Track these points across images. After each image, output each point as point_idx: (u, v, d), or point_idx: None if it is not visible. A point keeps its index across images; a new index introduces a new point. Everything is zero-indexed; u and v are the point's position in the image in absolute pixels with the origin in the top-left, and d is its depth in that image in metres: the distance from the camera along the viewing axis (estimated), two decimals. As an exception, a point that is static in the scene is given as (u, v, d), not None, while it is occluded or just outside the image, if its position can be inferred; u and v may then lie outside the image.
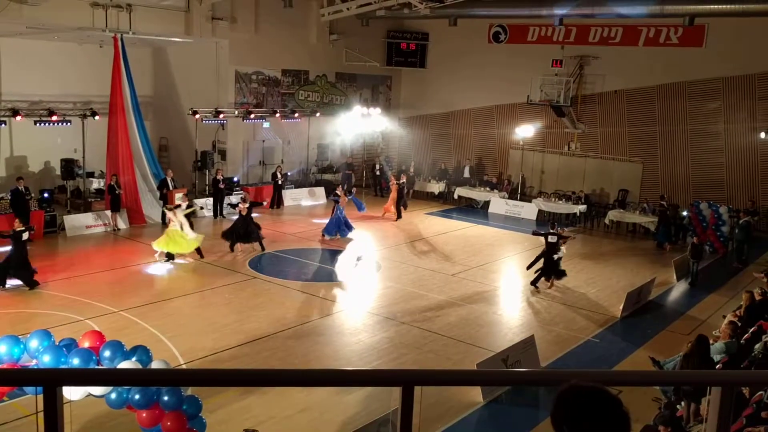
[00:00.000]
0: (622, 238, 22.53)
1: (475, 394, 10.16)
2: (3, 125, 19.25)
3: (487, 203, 25.99)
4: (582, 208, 23.41)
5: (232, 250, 17.90)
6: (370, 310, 14.21)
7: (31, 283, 14.38)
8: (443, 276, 16.90)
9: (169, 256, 16.73)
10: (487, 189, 26.43)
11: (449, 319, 13.86)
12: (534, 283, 15.94)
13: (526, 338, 11.93)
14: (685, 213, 22.19)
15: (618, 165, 25.42)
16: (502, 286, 16.75)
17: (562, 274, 16.25)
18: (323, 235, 19.94)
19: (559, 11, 23.45)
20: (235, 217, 19.40)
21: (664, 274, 17.57)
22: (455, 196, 26.74)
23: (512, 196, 26.19)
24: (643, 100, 24.70)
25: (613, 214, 23.35)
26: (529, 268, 16.35)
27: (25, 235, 14.47)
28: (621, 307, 14.52)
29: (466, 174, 27.65)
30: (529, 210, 24.85)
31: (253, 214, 18.69)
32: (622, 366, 11.87)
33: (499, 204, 25.62)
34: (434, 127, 30.12)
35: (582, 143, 26.17)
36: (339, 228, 20.05)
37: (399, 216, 23.16)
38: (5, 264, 14.39)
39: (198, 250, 17.09)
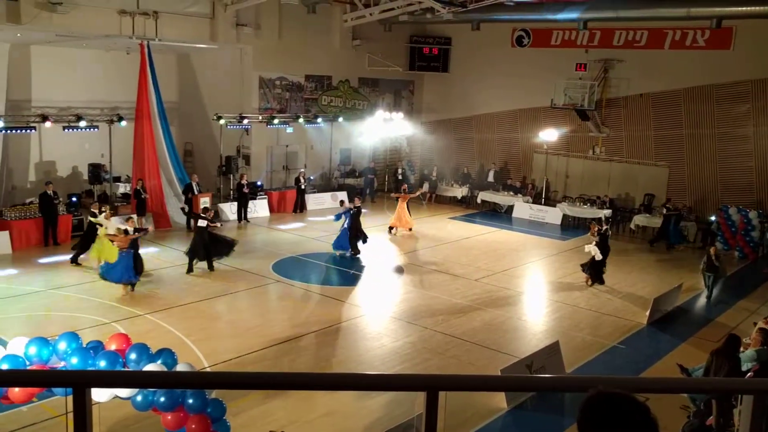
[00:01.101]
0: (648, 243, 22.24)
1: (499, 400, 10.09)
2: (33, 131, 19.61)
3: (510, 208, 25.85)
4: (607, 212, 23.17)
5: (191, 270, 16.45)
6: (393, 315, 14.19)
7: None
8: (466, 281, 16.83)
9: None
10: (511, 193, 26.29)
11: (473, 324, 13.79)
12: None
13: (550, 344, 11.82)
14: (713, 218, 21.86)
15: (643, 169, 25.12)
16: (527, 291, 16.63)
17: (598, 277, 16.41)
18: (335, 251, 18.78)
19: (583, 15, 23.28)
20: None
21: (691, 279, 17.30)
22: (478, 201, 26.64)
23: (536, 200, 26.02)
24: (670, 103, 24.39)
25: (638, 219, 23.08)
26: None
27: (202, 222, 16.05)
28: (647, 314, 14.32)
29: (491, 178, 27.52)
30: (553, 214, 24.66)
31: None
32: (648, 373, 11.70)
33: (522, 208, 25.47)
34: (457, 132, 30.05)
35: (607, 147, 25.91)
36: (348, 240, 18.53)
37: (392, 229, 21.62)
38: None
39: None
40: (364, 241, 18.95)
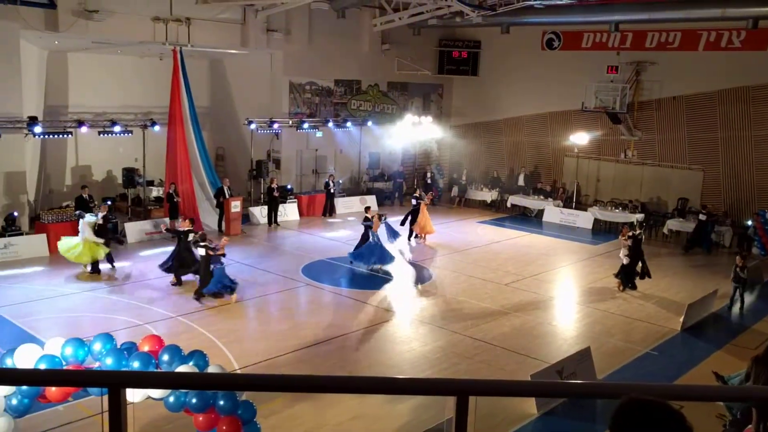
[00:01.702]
0: (681, 247, 21.86)
1: (529, 406, 10.00)
2: (69, 136, 20.04)
3: (541, 212, 25.64)
4: (639, 216, 22.83)
5: (179, 282, 15.73)
6: (422, 319, 14.17)
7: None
8: (496, 285, 16.73)
9: (94, 268, 16.25)
10: (541, 197, 26.07)
11: (502, 329, 13.70)
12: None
13: (581, 350, 11.68)
14: (749, 223, 21.40)
15: (677, 173, 24.71)
16: (557, 296, 16.47)
17: (630, 280, 16.20)
18: (351, 261, 17.85)
19: (615, 17, 23.02)
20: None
21: (726, 285, 16.91)
22: (508, 205, 26.47)
23: (567, 204, 25.76)
24: (704, 105, 23.96)
25: (672, 224, 22.70)
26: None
27: (192, 236, 15.59)
28: (681, 320, 14.08)
29: (521, 182, 27.32)
30: (584, 219, 24.39)
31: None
32: (683, 380, 11.49)
33: (553, 212, 25.24)
34: (486, 135, 29.91)
35: (639, 150, 25.54)
36: (374, 256, 17.46)
37: (412, 236, 21.04)
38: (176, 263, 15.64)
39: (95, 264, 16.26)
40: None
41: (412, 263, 18.69)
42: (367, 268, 17.46)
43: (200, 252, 14.94)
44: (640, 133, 25.36)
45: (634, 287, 16.57)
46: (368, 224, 17.82)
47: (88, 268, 16.24)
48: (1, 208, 18.36)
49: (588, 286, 17.06)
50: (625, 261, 16.51)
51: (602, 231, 23.76)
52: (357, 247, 18.05)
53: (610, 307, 15.39)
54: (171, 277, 15.83)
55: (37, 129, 18.20)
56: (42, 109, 21.02)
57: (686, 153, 24.50)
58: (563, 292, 16.85)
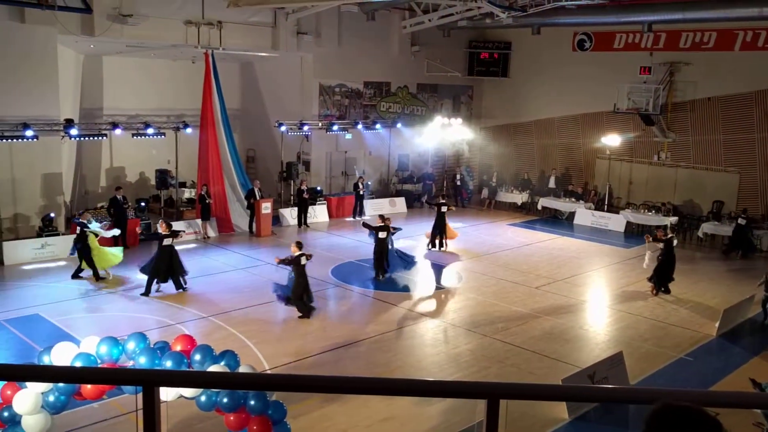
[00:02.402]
0: (717, 251, 21.44)
1: (560, 411, 9.90)
2: (104, 138, 20.42)
3: (572, 214, 25.36)
4: (673, 219, 22.45)
5: (148, 293, 15.00)
6: (452, 322, 14.12)
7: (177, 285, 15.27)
8: (526, 288, 16.60)
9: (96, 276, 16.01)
10: (572, 200, 25.80)
11: (533, 332, 13.58)
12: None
13: (613, 354, 11.52)
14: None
15: (712, 175, 24.24)
16: (588, 299, 16.27)
17: (663, 284, 16.05)
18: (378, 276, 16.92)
19: (648, 17, 22.68)
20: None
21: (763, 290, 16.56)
22: (539, 207, 26.24)
23: (598, 207, 25.45)
24: (740, 106, 23.47)
25: (707, 227, 22.27)
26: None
27: (168, 240, 15.10)
28: (717, 325, 13.79)
29: (552, 184, 27.08)
30: (616, 221, 24.06)
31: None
32: (718, 387, 11.26)
33: (584, 215, 24.95)
34: (517, 137, 29.71)
35: (673, 153, 25.12)
36: (394, 261, 16.89)
37: (441, 245, 20.18)
38: (154, 270, 15.00)
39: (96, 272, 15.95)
40: (388, 268, 16.84)
41: (441, 266, 18.63)
42: (399, 272, 16.99)
43: (166, 242, 15.06)
44: (674, 135, 24.95)
45: (667, 291, 16.31)
46: (374, 233, 16.80)
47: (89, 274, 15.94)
48: (39, 209, 18.77)
49: (620, 290, 16.83)
50: (645, 265, 16.32)
51: (635, 234, 23.42)
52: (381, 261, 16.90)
53: (642, 311, 15.16)
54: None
55: (73, 131, 18.59)
56: (78, 111, 21.47)
57: (722, 155, 24.03)
58: (595, 296, 16.64)
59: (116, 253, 16.25)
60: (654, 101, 23.79)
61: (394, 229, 17.12)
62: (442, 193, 24.13)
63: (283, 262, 13.95)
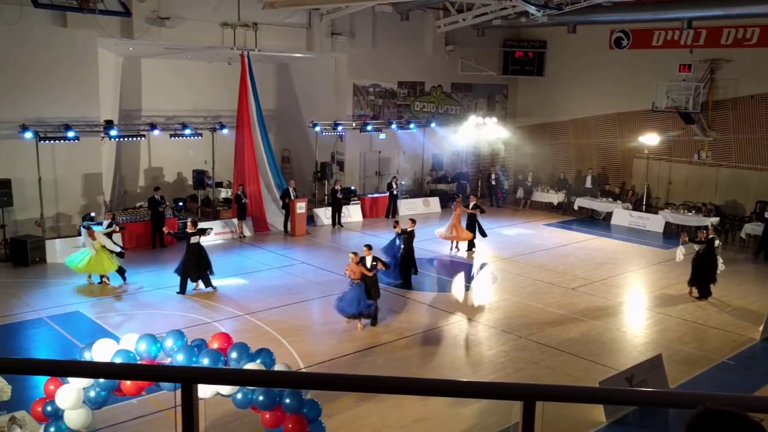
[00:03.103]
0: (752, 252, 20.86)
1: (598, 413, 9.75)
2: (143, 138, 20.81)
3: (609, 214, 24.97)
4: (714, 220, 21.95)
5: (183, 291, 15.14)
6: (487, 323, 14.02)
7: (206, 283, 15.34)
8: (563, 289, 16.40)
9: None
10: (610, 200, 25.40)
11: (569, 334, 13.40)
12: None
13: (652, 357, 11.30)
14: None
15: (755, 174, 23.61)
16: (626, 301, 15.99)
17: (704, 287, 15.66)
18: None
19: (688, 13, 22.23)
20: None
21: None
22: (575, 207, 25.91)
23: (636, 207, 25.02)
24: (785, 104, 22.85)
25: (749, 228, 21.71)
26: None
27: (195, 238, 15.21)
28: (761, 329, 13.42)
29: (588, 184, 26.70)
30: (655, 222, 23.62)
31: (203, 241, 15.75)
32: (763, 392, 10.95)
33: (622, 215, 24.54)
34: (552, 136, 29.38)
35: (714, 151, 24.56)
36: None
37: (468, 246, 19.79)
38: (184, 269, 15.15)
39: (118, 272, 15.75)
40: (415, 273, 16.62)
41: (475, 266, 18.52)
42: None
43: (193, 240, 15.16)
44: (715, 134, 24.38)
45: (707, 295, 15.85)
46: (401, 237, 16.41)
47: (94, 280, 15.70)
48: (80, 209, 19.21)
49: (659, 292, 16.51)
50: (678, 258, 16.03)
51: (674, 235, 22.94)
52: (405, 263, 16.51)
53: (682, 313, 14.84)
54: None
55: (113, 132, 18.99)
56: (117, 113, 21.92)
57: (765, 154, 23.40)
58: (633, 298, 16.35)
59: (114, 262, 15.56)
60: (694, 99, 23.28)
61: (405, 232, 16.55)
62: (474, 194, 23.85)
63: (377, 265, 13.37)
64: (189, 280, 15.31)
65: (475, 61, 27.86)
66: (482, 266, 18.01)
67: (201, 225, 16.05)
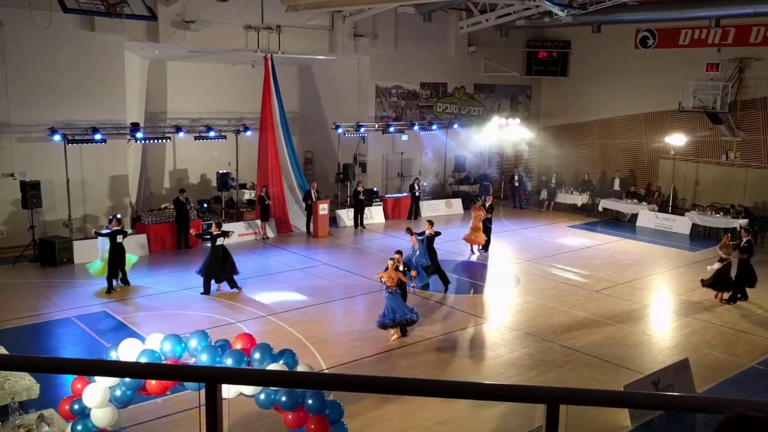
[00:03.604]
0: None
1: (622, 418, 9.63)
2: (168, 141, 21.04)
3: (634, 216, 24.68)
4: (743, 222, 21.57)
5: (207, 292, 15.26)
6: (509, 325, 13.94)
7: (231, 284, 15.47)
8: (587, 292, 16.23)
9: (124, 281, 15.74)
10: (635, 201, 25.10)
11: (593, 337, 13.27)
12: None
13: (679, 361, 11.13)
14: None
15: (786, 176, 23.18)
16: (652, 304, 15.79)
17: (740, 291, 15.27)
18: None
19: (716, 12, 21.89)
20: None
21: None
22: (599, 209, 25.65)
23: (662, 208, 24.69)
24: (816, 103, 22.40)
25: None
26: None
27: (220, 240, 15.39)
28: (790, 332, 13.17)
29: (617, 186, 26.39)
30: (681, 224, 23.28)
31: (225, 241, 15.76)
32: (792, 397, 10.74)
33: (648, 217, 24.24)
34: (576, 137, 29.13)
35: (742, 152, 24.16)
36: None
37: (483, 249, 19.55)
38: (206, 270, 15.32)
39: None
40: (440, 276, 16.12)
41: (500, 268, 18.42)
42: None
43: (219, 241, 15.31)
44: (744, 134, 23.98)
45: (736, 299, 15.49)
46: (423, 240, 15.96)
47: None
48: (106, 210, 19.47)
49: (686, 295, 16.26)
50: (712, 268, 15.69)
51: (701, 237, 22.63)
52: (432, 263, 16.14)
53: (710, 317, 14.61)
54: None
55: (139, 135, 19.24)
56: (143, 115, 22.20)
57: (795, 154, 22.98)
58: (659, 300, 16.14)
59: (130, 259, 15.63)
60: (722, 99, 22.91)
61: (417, 233, 16.22)
62: (490, 195, 23.51)
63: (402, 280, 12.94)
64: (213, 281, 15.44)
65: (498, 61, 27.73)
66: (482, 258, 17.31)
67: (224, 227, 16.17)
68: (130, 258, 15.94)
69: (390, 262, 13.00)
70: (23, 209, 17.58)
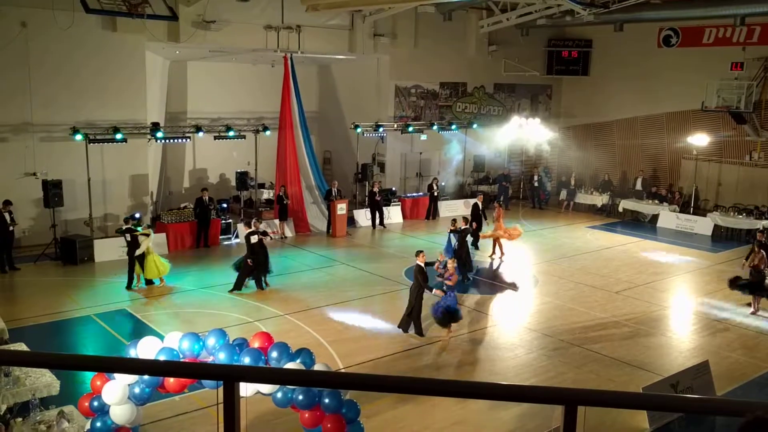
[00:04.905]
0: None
1: (641, 420, 9.54)
2: (188, 140, 21.19)
3: (655, 217, 24.42)
4: (766, 223, 21.24)
5: (239, 288, 15.49)
6: (527, 326, 13.86)
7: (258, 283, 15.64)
8: (606, 293, 16.09)
9: (148, 281, 15.86)
10: (656, 202, 24.83)
11: (612, 338, 13.15)
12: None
13: (699, 363, 11.01)
14: None
15: (811, 176, 22.80)
16: (672, 305, 15.61)
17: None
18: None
19: (741, 10, 21.56)
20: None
21: None
22: (619, 209, 25.40)
23: (684, 209, 24.40)
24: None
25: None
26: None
27: (254, 238, 15.49)
28: (814, 335, 12.95)
29: (639, 186, 26.12)
30: (703, 225, 22.98)
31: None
32: (816, 401, 10.54)
33: (669, 218, 23.97)
34: (597, 137, 28.89)
35: (766, 152, 23.79)
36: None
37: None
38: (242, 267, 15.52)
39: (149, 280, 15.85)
40: (470, 270, 16.68)
41: (518, 269, 18.32)
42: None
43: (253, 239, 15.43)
44: (768, 134, 23.63)
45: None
46: (456, 234, 16.56)
47: (142, 284, 15.77)
48: (126, 209, 19.66)
49: (707, 296, 16.06)
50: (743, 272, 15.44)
51: (723, 238, 22.33)
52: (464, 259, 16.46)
53: (731, 319, 14.41)
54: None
55: (159, 134, 19.39)
56: (164, 115, 22.37)
57: (821, 155, 22.59)
58: (679, 302, 15.95)
59: (166, 263, 15.90)
60: (746, 98, 22.60)
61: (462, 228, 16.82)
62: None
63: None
64: (248, 278, 15.54)
65: (519, 61, 27.58)
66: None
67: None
68: (165, 263, 15.95)
69: (449, 262, 13.07)
70: (45, 208, 17.82)
